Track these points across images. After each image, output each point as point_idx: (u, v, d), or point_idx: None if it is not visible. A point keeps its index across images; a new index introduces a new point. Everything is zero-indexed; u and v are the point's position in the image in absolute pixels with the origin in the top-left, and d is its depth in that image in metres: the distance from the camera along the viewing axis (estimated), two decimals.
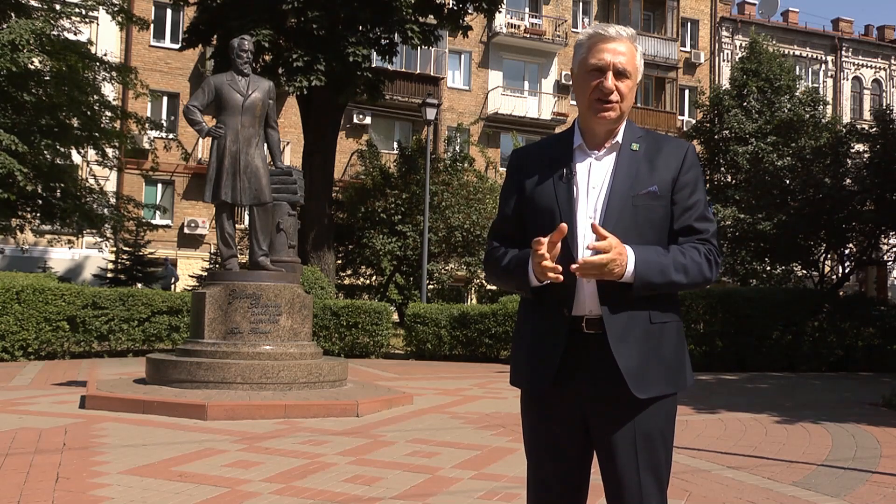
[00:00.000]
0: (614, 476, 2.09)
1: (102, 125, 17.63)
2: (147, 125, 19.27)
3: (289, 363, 7.93)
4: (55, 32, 16.41)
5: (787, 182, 17.75)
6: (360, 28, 16.48)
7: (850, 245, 18.07)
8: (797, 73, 30.55)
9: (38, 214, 17.31)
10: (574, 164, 2.15)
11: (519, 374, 2.23)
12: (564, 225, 1.98)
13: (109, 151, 18.49)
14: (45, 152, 16.13)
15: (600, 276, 1.98)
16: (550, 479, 2.17)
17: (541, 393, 2.15)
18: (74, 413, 6.96)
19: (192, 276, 22.27)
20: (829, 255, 18.76)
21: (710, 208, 2.18)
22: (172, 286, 22.13)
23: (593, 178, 2.13)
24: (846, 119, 32.26)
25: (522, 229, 2.20)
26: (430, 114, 19.16)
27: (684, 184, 2.13)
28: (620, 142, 2.15)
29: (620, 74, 2.10)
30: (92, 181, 19.37)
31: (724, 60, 35.95)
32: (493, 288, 24.38)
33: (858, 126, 18.59)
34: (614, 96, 2.10)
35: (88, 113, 17.01)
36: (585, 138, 2.17)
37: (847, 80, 38.23)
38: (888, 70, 39.12)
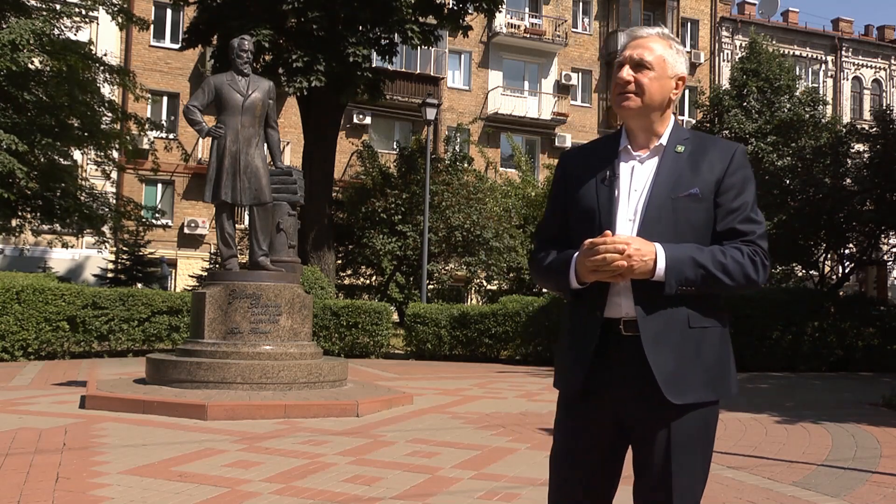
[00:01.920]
0: (647, 484, 2.08)
1: (102, 126, 17.62)
2: (147, 126, 19.26)
3: (289, 363, 7.93)
4: (55, 32, 16.40)
5: (787, 182, 17.76)
6: (360, 28, 16.47)
7: (850, 245, 18.08)
8: (797, 73, 30.55)
9: (38, 214, 17.30)
10: (617, 166, 2.15)
11: (558, 375, 2.23)
12: (609, 232, 2.00)
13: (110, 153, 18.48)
14: (48, 152, 16.13)
15: (630, 274, 1.98)
16: (574, 485, 2.14)
17: (574, 394, 2.13)
18: (74, 413, 6.95)
19: (192, 276, 22.27)
20: (829, 255, 18.76)
21: (757, 211, 2.14)
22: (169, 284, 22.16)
23: (636, 180, 2.12)
24: (846, 119, 32.26)
25: (567, 231, 2.20)
26: (430, 114, 19.16)
27: (730, 186, 2.10)
28: (665, 144, 2.15)
29: (638, 66, 2.12)
30: (95, 182, 19.36)
31: (724, 60, 35.96)
32: (493, 288, 24.41)
33: (858, 126, 18.61)
34: (630, 87, 2.11)
35: (89, 113, 17.01)
36: (630, 141, 2.18)
37: (847, 80, 38.22)
38: (888, 70, 39.12)
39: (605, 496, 2.18)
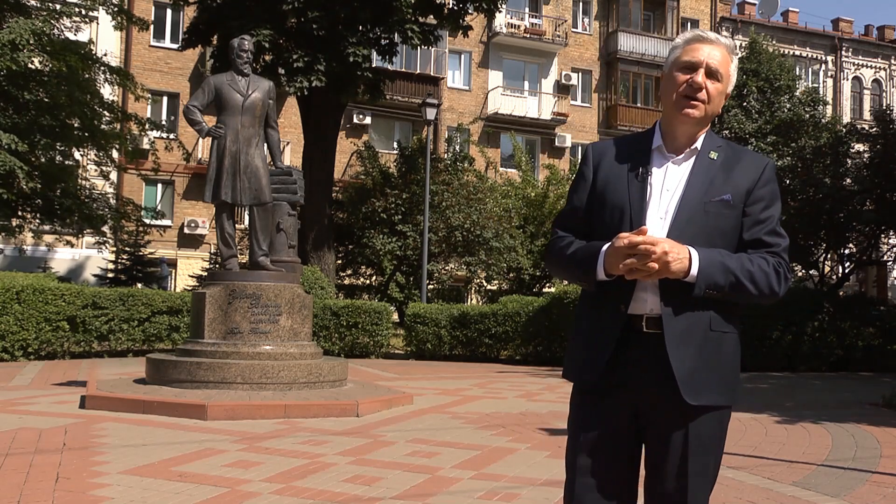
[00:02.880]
0: (660, 483, 2.08)
1: (102, 127, 17.61)
2: (147, 126, 19.25)
3: (289, 363, 7.93)
4: (55, 32, 16.39)
5: (787, 182, 17.75)
6: (360, 28, 16.48)
7: (850, 245, 18.08)
8: (797, 73, 30.55)
9: (38, 214, 17.30)
10: (651, 164, 2.14)
11: (571, 366, 2.21)
12: (646, 227, 1.99)
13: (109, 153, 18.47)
14: (49, 152, 16.12)
15: (664, 272, 1.97)
16: (593, 481, 2.12)
17: (589, 387, 2.12)
18: (74, 413, 6.96)
19: (192, 276, 22.27)
20: (829, 255, 18.76)
21: (781, 227, 2.16)
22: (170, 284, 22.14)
23: (668, 180, 2.12)
24: (846, 119, 32.26)
25: (589, 223, 2.19)
26: (430, 114, 19.16)
27: (759, 197, 2.11)
28: (699, 148, 2.14)
29: (712, 75, 2.10)
30: (96, 182, 19.36)
31: None
32: (493, 288, 24.40)
33: (858, 126, 18.61)
34: (702, 94, 2.09)
35: (88, 114, 17.01)
36: (665, 141, 2.16)
37: (847, 80, 38.22)
38: (888, 70, 39.12)
39: (625, 495, 2.14)
